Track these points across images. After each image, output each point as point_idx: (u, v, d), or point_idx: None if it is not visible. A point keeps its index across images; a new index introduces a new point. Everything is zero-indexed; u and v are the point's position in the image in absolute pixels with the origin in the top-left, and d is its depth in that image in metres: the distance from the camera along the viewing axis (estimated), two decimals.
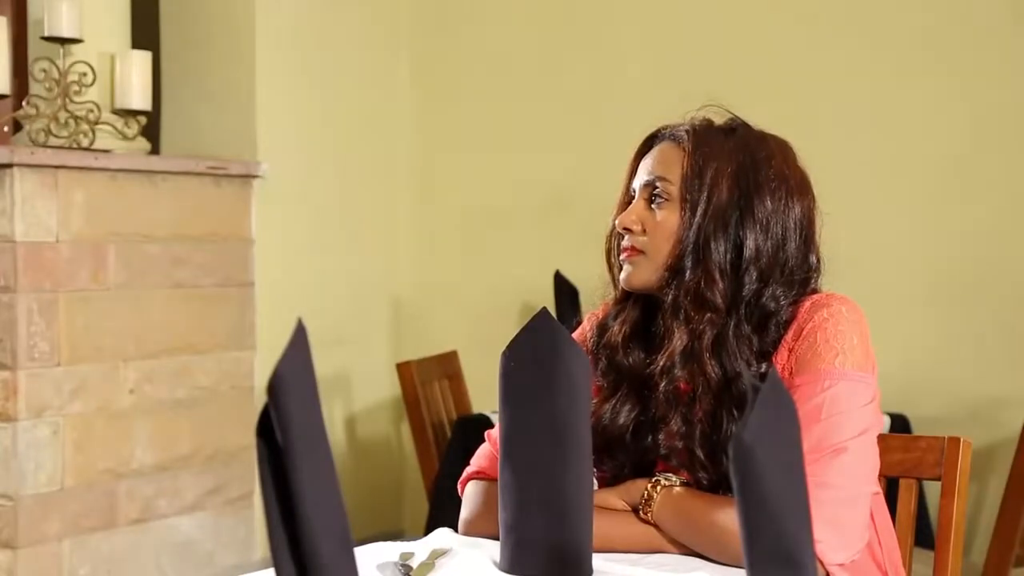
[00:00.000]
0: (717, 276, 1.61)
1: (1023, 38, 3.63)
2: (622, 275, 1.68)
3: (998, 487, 3.21)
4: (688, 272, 1.62)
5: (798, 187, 1.66)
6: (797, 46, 3.95)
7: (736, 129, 1.68)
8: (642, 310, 1.71)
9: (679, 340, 1.61)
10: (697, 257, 1.62)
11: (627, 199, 1.71)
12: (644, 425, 1.67)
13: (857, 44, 3.87)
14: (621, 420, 1.67)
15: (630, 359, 1.68)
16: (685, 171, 1.63)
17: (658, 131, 1.71)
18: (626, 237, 1.67)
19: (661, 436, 1.64)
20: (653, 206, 1.66)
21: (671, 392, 1.62)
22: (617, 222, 1.68)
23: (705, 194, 1.62)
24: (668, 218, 1.64)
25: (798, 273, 1.65)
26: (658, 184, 1.65)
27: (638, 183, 1.69)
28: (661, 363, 1.62)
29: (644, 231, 1.65)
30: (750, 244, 1.62)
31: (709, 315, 1.60)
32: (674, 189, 1.64)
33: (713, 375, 1.60)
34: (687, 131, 1.67)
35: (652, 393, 1.66)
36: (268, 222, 4.10)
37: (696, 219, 1.62)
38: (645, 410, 1.67)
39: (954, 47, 3.72)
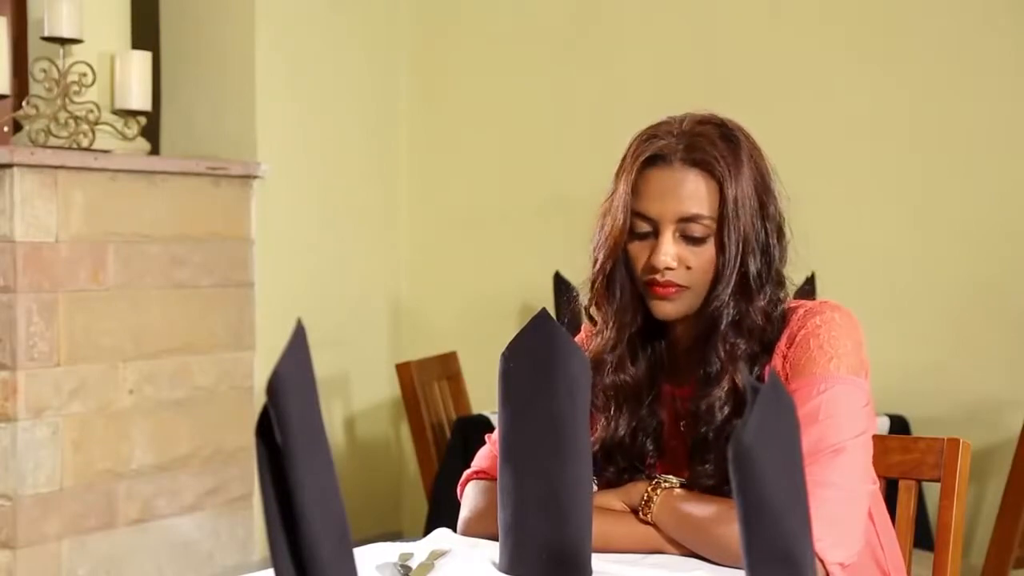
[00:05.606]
0: (755, 291, 1.60)
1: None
2: (660, 309, 1.61)
3: (997, 489, 3.21)
4: (732, 299, 1.59)
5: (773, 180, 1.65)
6: (798, 50, 3.95)
7: (736, 136, 1.62)
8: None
9: (725, 383, 1.58)
10: (740, 281, 1.59)
11: (625, 226, 1.61)
12: (645, 432, 1.67)
13: (863, 47, 3.87)
14: (620, 432, 1.66)
15: (622, 378, 1.67)
16: (726, 204, 1.57)
17: (656, 151, 1.60)
18: (663, 274, 1.59)
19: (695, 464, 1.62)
20: (688, 241, 1.59)
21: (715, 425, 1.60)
22: (655, 263, 1.59)
23: (740, 220, 1.58)
24: (709, 252, 1.59)
25: (783, 266, 1.65)
26: (698, 222, 1.58)
27: (660, 214, 1.59)
28: (703, 405, 1.60)
29: (688, 267, 1.59)
30: (775, 252, 1.62)
31: (749, 328, 1.60)
32: (712, 223, 1.58)
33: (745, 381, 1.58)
34: (713, 157, 1.58)
35: (648, 399, 1.67)
36: (267, 222, 4.10)
37: (739, 248, 1.58)
38: (643, 418, 1.67)
39: (957, 46, 3.72)
